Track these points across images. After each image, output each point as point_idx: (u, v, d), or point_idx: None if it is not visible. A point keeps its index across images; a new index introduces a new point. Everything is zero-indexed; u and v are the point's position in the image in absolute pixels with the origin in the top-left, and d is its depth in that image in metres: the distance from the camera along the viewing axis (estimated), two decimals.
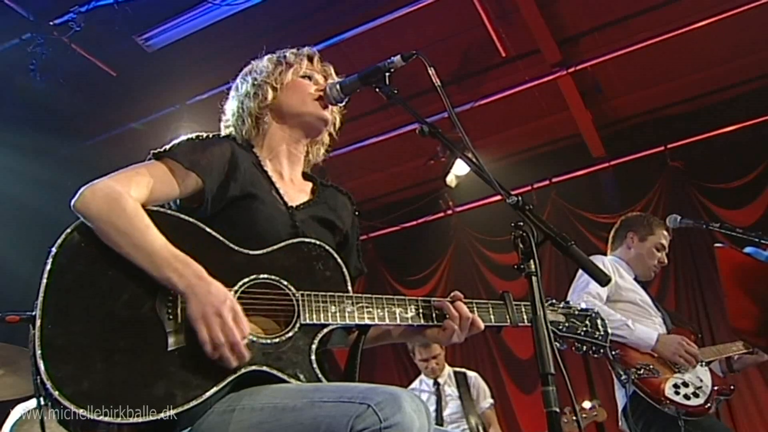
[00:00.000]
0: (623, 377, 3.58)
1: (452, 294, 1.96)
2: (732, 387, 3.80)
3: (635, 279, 4.06)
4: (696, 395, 3.53)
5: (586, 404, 5.17)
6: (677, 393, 3.50)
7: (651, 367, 3.56)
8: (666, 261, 4.15)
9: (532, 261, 1.65)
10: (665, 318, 3.94)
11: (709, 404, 3.56)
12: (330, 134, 2.24)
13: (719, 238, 6.07)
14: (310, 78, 2.14)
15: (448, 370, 5.59)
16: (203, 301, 1.60)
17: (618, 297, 3.86)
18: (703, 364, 3.73)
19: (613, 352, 3.65)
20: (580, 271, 3.77)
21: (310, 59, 2.18)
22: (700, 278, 6.74)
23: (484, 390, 5.56)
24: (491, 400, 5.55)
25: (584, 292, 3.68)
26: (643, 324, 3.77)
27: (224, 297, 1.63)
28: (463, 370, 5.70)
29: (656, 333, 3.67)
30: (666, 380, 3.55)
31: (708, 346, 4.01)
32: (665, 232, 4.15)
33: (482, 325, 1.93)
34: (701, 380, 3.63)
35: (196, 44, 5.94)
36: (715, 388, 3.65)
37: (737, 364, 4.02)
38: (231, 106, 2.17)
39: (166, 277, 1.63)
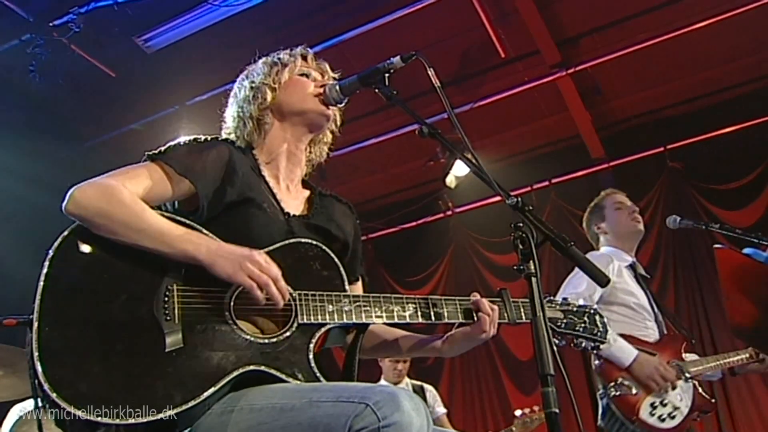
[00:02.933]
0: (600, 392, 3.52)
1: (474, 294, 2.01)
2: (714, 401, 3.70)
3: (631, 265, 3.94)
4: (672, 417, 3.44)
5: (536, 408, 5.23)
6: (652, 414, 3.42)
7: (630, 384, 3.45)
8: (636, 207, 4.09)
9: (531, 262, 1.65)
10: (660, 323, 3.82)
11: (683, 426, 3.46)
12: (332, 132, 2.24)
13: (719, 238, 6.07)
14: (307, 76, 2.14)
15: (407, 380, 5.82)
16: (231, 257, 1.66)
17: (613, 298, 3.77)
18: (688, 379, 3.60)
19: (596, 362, 3.57)
20: (575, 269, 3.72)
21: (304, 58, 2.17)
22: (700, 279, 6.74)
23: (439, 400, 5.89)
24: (445, 410, 5.85)
25: (575, 292, 3.57)
26: (636, 328, 3.70)
27: (246, 249, 1.69)
28: (420, 382, 5.93)
29: (634, 354, 3.49)
30: (644, 398, 3.45)
31: (707, 352, 3.92)
32: (614, 196, 4.12)
33: (497, 319, 1.99)
34: (681, 399, 3.52)
35: (195, 45, 5.94)
36: (696, 405, 3.55)
37: (739, 368, 3.91)
38: (230, 112, 2.15)
39: (181, 250, 1.66)
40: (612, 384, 3.46)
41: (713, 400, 3.69)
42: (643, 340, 3.66)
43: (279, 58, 2.15)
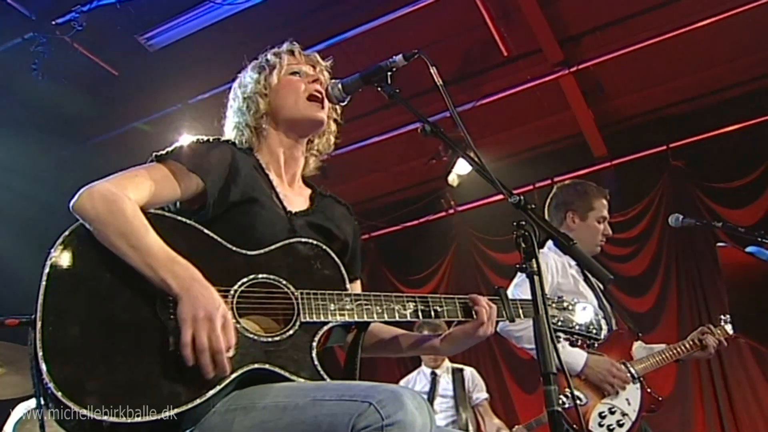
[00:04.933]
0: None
1: (470, 296, 2.00)
2: (660, 399, 3.56)
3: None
4: (621, 424, 3.34)
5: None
6: (601, 425, 3.33)
7: (578, 394, 3.34)
8: (610, 232, 3.86)
9: (534, 260, 1.65)
10: (608, 320, 3.63)
11: (632, 431, 3.37)
12: (336, 121, 2.24)
13: (721, 237, 6.06)
14: (297, 73, 2.14)
15: (447, 364, 5.73)
16: (196, 303, 1.57)
17: None
18: (636, 380, 3.50)
19: None
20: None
21: (291, 53, 2.17)
22: (702, 277, 6.73)
23: (480, 384, 5.69)
24: (486, 395, 5.66)
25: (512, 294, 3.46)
26: None
27: (218, 303, 1.60)
28: (461, 366, 5.81)
29: (584, 357, 3.41)
30: (593, 408, 3.36)
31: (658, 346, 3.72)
32: (604, 201, 3.87)
33: (494, 315, 1.98)
34: (629, 403, 3.43)
35: (197, 43, 5.94)
36: (644, 406, 3.45)
37: (686, 357, 3.75)
38: (228, 122, 2.17)
39: (162, 278, 1.61)
40: (561, 396, 3.24)
41: (660, 398, 3.57)
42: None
43: (266, 60, 2.15)
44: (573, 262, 3.74)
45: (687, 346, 3.71)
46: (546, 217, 3.95)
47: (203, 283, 1.63)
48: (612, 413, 3.38)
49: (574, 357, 3.41)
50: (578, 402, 3.33)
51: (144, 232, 1.66)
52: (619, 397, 3.43)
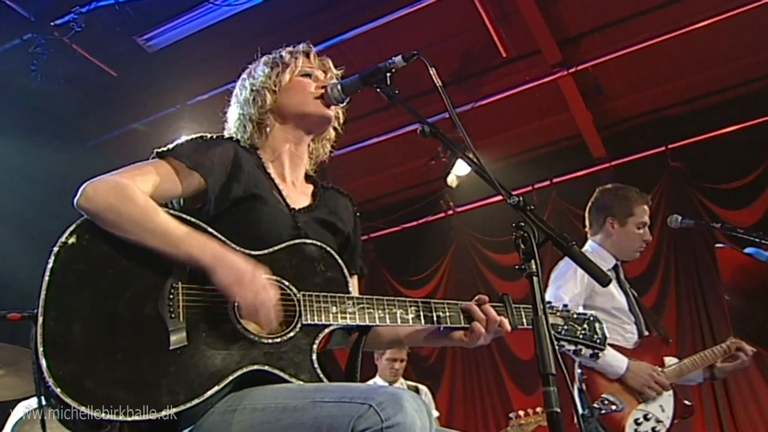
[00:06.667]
0: (586, 412, 3.31)
1: (478, 297, 1.94)
2: (691, 404, 3.57)
3: (614, 267, 3.77)
4: (656, 431, 3.36)
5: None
6: (637, 431, 3.33)
7: (614, 400, 3.32)
8: (650, 237, 3.82)
9: (533, 261, 1.65)
10: (639, 324, 3.67)
11: None
12: (335, 129, 2.23)
13: (720, 238, 6.09)
14: (309, 75, 2.13)
15: (402, 380, 5.77)
16: (233, 270, 1.64)
17: (591, 302, 3.57)
18: (669, 386, 3.49)
19: (578, 371, 3.41)
20: (556, 272, 3.61)
21: (307, 55, 2.16)
22: (701, 279, 6.74)
23: (432, 404, 5.83)
24: (437, 413, 5.87)
25: (555, 297, 3.42)
26: (616, 333, 3.56)
27: (251, 266, 1.67)
28: (415, 384, 5.90)
29: (626, 361, 3.39)
30: (629, 414, 3.34)
31: (688, 356, 3.67)
32: (645, 207, 3.82)
33: (509, 327, 1.94)
34: (663, 410, 3.43)
35: (196, 45, 5.95)
36: (678, 413, 3.46)
37: (719, 372, 3.73)
38: (232, 113, 2.16)
39: (186, 253, 1.64)
40: (596, 402, 3.31)
41: (691, 405, 3.57)
42: (621, 347, 3.53)
43: (281, 57, 2.14)
44: (609, 264, 3.75)
45: (718, 351, 3.67)
46: (586, 219, 3.97)
47: (229, 252, 1.68)
48: (647, 420, 3.37)
49: (616, 361, 3.39)
50: (614, 408, 3.31)
51: (156, 215, 1.68)
52: (653, 404, 3.42)
